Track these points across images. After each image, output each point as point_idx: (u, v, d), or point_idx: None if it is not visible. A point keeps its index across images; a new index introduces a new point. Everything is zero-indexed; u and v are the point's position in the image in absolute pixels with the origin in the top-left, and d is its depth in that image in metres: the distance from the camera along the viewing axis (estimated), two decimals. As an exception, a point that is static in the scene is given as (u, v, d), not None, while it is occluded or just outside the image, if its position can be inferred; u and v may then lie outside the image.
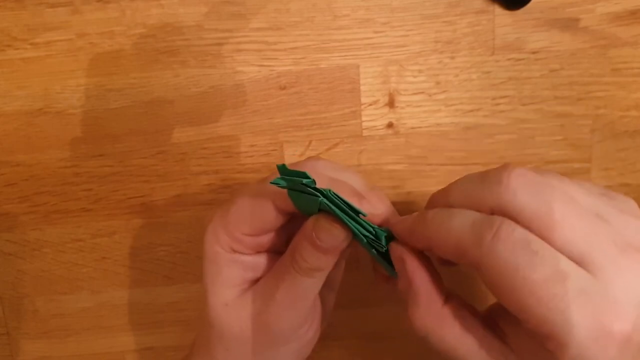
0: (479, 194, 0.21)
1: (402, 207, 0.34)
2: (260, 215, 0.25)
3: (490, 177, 0.21)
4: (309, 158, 0.27)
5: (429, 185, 0.35)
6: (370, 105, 0.34)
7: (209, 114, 0.33)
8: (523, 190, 0.20)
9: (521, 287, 0.19)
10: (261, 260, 0.26)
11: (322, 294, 0.29)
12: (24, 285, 0.36)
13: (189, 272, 0.36)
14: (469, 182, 0.22)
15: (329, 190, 0.22)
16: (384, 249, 0.24)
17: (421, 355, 0.38)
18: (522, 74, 0.34)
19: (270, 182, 0.23)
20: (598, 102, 0.34)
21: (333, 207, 0.22)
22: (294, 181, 0.22)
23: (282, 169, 0.23)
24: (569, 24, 0.33)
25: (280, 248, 0.26)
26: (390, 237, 0.24)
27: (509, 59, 0.33)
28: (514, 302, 0.19)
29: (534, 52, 0.33)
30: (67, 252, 0.35)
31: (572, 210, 0.20)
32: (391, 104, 0.34)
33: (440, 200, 0.23)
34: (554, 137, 0.34)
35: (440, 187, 0.24)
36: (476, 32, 0.33)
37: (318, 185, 0.22)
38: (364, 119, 0.34)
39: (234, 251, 0.25)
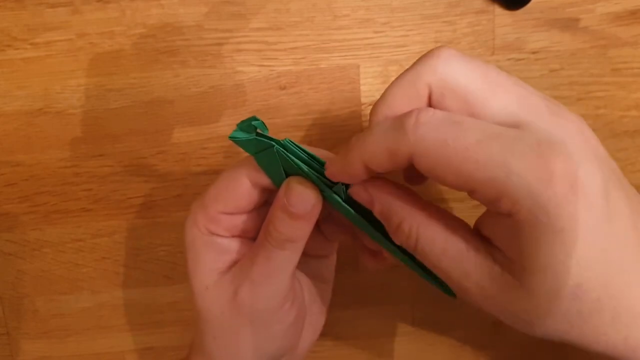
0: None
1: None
2: (235, 189, 0.25)
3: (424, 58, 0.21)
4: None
5: (429, 185, 0.35)
6: (370, 105, 0.34)
7: (209, 114, 0.33)
8: (457, 65, 0.21)
9: (456, 157, 0.19)
10: (237, 244, 0.26)
11: (316, 285, 0.29)
12: (24, 285, 0.36)
13: (189, 272, 0.36)
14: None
15: (287, 140, 0.23)
16: (344, 193, 0.24)
17: (420, 355, 0.38)
18: (522, 74, 0.34)
19: (229, 137, 0.23)
20: (598, 102, 0.34)
21: (289, 155, 0.23)
22: (249, 127, 0.22)
23: (239, 124, 0.23)
24: (569, 24, 0.33)
25: (256, 235, 0.26)
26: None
27: (509, 59, 0.33)
28: (455, 175, 0.19)
29: (534, 52, 0.33)
30: (67, 252, 0.35)
31: (505, 78, 0.21)
32: (391, 104, 0.34)
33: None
34: (554, 137, 0.34)
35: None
36: (476, 32, 0.33)
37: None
38: (364, 119, 0.34)
39: (211, 233, 0.26)
